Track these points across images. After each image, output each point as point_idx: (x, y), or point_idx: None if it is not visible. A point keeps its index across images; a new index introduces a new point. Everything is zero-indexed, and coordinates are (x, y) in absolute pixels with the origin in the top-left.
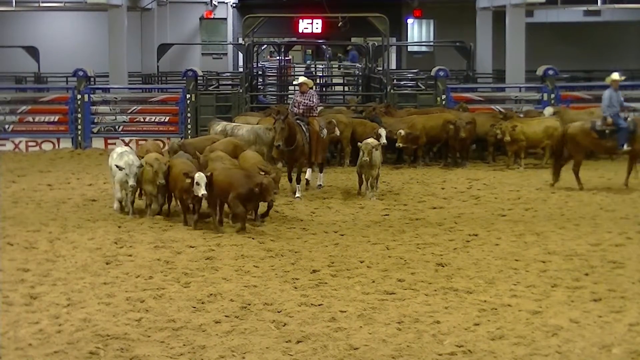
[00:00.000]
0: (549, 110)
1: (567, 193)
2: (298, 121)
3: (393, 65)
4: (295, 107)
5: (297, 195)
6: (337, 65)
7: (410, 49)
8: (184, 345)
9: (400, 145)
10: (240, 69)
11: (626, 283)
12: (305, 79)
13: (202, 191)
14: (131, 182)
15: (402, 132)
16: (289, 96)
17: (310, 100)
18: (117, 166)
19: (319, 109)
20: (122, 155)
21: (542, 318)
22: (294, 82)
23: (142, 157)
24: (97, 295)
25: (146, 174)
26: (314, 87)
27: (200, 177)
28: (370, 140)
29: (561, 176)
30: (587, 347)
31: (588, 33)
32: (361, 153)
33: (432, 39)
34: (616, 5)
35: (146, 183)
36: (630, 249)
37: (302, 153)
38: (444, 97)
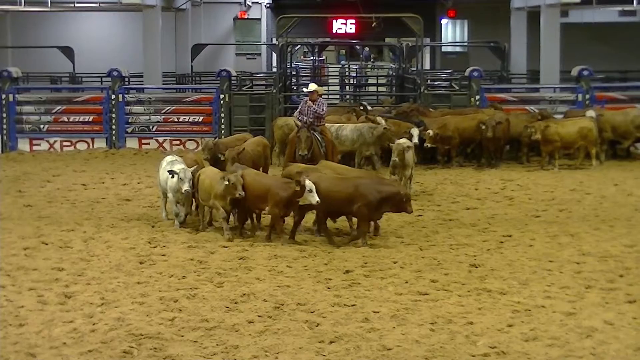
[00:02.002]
0: (590, 112)
1: (602, 194)
2: (312, 131)
3: (427, 66)
4: (304, 115)
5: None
6: (370, 66)
7: (444, 49)
8: (217, 345)
9: (429, 145)
10: (274, 69)
11: None
12: (317, 86)
13: (185, 186)
14: (186, 186)
15: (431, 132)
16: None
17: (320, 109)
18: (170, 172)
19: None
20: (172, 163)
21: (576, 319)
22: (304, 90)
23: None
24: (131, 294)
25: (217, 188)
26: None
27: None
28: (402, 141)
29: (595, 176)
30: (621, 349)
31: (623, 33)
32: (393, 154)
33: (466, 39)
34: None
35: (218, 198)
36: None
37: (318, 163)
38: (477, 97)
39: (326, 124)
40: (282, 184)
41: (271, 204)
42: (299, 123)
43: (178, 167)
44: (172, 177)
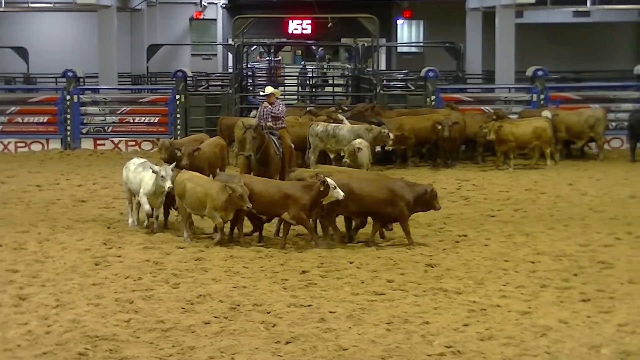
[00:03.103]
0: (546, 113)
1: (557, 194)
2: (270, 135)
3: (383, 66)
4: (262, 119)
5: None
6: (326, 67)
7: (400, 49)
8: (173, 346)
9: (390, 148)
10: (230, 70)
11: (615, 283)
12: (273, 89)
13: (169, 184)
14: (168, 184)
15: (390, 134)
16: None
17: (277, 110)
18: (152, 170)
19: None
20: (142, 165)
21: (531, 318)
22: (261, 93)
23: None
24: (86, 296)
25: (217, 199)
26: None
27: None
28: (356, 141)
29: (550, 176)
30: (576, 348)
31: (577, 34)
32: (345, 155)
33: (421, 39)
34: (605, 6)
35: (218, 209)
36: (619, 249)
37: (277, 169)
38: (433, 97)
39: (321, 123)
40: (302, 186)
41: (295, 208)
42: (261, 123)
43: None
44: (153, 173)
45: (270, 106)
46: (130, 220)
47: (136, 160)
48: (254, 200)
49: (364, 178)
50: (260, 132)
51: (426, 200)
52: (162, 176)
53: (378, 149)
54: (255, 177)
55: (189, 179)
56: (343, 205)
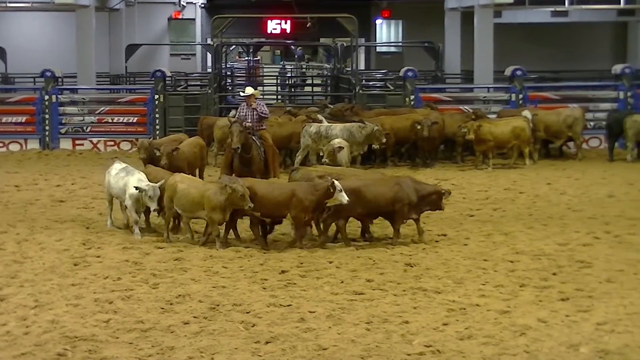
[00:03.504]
0: (526, 113)
1: (535, 193)
2: (252, 136)
3: (362, 66)
4: (243, 120)
5: None
6: (305, 66)
7: (379, 49)
8: (153, 346)
9: (377, 146)
10: (209, 70)
11: (593, 282)
12: (254, 90)
13: (154, 206)
14: (154, 206)
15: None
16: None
17: (262, 113)
18: (136, 188)
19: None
20: (126, 171)
21: (510, 318)
22: (241, 94)
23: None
24: (65, 296)
25: (215, 200)
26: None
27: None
28: (335, 141)
29: (528, 176)
30: (554, 347)
31: (556, 34)
32: (324, 154)
33: (400, 39)
34: (583, 6)
35: (216, 210)
36: (597, 248)
37: (259, 169)
38: (412, 97)
39: (314, 124)
40: (308, 187)
41: (298, 209)
42: (246, 124)
43: (136, 177)
44: (140, 192)
45: (247, 107)
46: (108, 222)
47: (117, 165)
48: (257, 202)
49: (373, 179)
50: (245, 132)
51: (434, 201)
52: (149, 196)
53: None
54: (258, 179)
55: (181, 181)
56: (350, 209)
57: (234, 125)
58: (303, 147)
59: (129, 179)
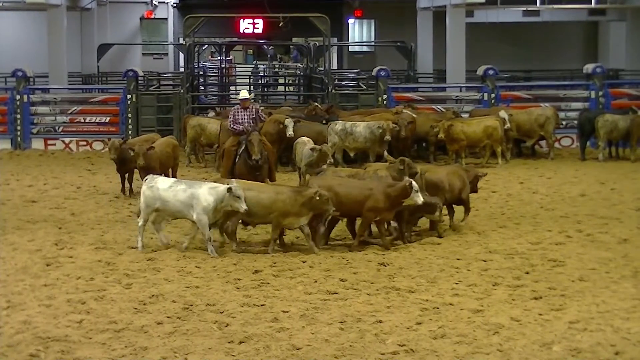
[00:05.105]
0: (502, 113)
1: (508, 192)
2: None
3: (334, 66)
4: (237, 123)
5: None
6: (278, 66)
7: (351, 49)
8: (126, 346)
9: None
10: (181, 69)
11: (566, 281)
12: (247, 93)
13: (244, 206)
14: (244, 207)
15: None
16: (231, 96)
17: (258, 116)
18: (226, 189)
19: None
20: (184, 183)
21: (483, 316)
22: (238, 97)
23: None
24: (38, 297)
25: (294, 204)
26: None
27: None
28: (305, 139)
29: (500, 174)
30: (527, 345)
31: (527, 33)
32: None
33: (373, 39)
34: (555, 6)
35: (291, 215)
36: (570, 247)
37: (266, 174)
38: (385, 97)
39: (339, 122)
40: (385, 186)
41: (371, 207)
42: (248, 128)
43: (207, 187)
44: (227, 192)
45: (243, 110)
46: (140, 244)
47: (163, 179)
48: (336, 202)
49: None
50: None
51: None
52: (237, 196)
53: None
54: (334, 178)
55: (249, 188)
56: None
57: (254, 135)
58: (330, 145)
59: (195, 191)
